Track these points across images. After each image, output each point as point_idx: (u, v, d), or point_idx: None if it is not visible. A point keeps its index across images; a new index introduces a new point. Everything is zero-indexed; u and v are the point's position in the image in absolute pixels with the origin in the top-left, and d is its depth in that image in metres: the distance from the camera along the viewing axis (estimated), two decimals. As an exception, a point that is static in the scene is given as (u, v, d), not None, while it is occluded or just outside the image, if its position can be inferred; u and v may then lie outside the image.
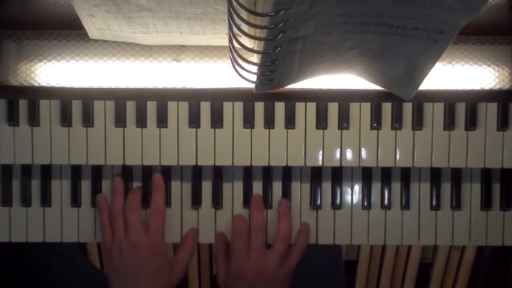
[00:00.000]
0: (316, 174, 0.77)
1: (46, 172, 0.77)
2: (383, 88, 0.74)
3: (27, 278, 0.95)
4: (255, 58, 0.65)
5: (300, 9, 0.55)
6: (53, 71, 0.77)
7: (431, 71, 0.67)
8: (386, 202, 0.77)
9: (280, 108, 0.74)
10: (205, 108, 0.74)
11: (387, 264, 1.02)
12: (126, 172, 0.78)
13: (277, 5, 0.54)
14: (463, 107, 0.74)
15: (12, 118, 0.74)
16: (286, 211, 0.75)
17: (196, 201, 0.77)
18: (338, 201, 0.77)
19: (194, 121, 0.74)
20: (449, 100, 0.74)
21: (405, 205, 0.77)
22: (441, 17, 0.58)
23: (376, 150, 0.74)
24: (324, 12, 0.57)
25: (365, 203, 0.77)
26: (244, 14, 0.58)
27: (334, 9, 0.57)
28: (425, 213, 0.77)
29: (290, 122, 0.74)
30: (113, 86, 0.77)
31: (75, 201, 0.77)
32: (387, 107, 0.74)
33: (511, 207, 0.77)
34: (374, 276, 1.05)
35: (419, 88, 0.71)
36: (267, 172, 0.77)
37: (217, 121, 0.74)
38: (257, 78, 0.68)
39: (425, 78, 0.69)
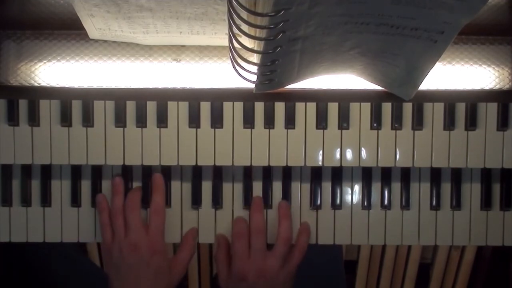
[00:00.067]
0: (316, 174, 0.77)
1: (46, 172, 0.77)
2: (383, 88, 0.74)
3: (27, 278, 0.95)
4: (255, 58, 0.65)
5: (300, 9, 0.55)
6: (53, 71, 0.77)
7: (431, 71, 0.67)
8: (386, 202, 0.77)
9: (280, 108, 0.74)
10: (205, 108, 0.74)
11: (387, 264, 1.02)
12: (126, 172, 0.78)
13: (277, 5, 0.54)
14: (463, 107, 0.74)
15: (12, 118, 0.74)
16: (286, 212, 0.75)
17: (196, 201, 0.77)
18: (338, 201, 0.77)
19: (194, 121, 0.74)
20: (449, 100, 0.74)
21: (405, 205, 0.77)
22: (441, 17, 0.58)
23: (376, 150, 0.74)
24: (324, 12, 0.57)
25: (365, 203, 0.77)
26: (244, 14, 0.58)
27: (334, 9, 0.57)
28: (425, 213, 0.77)
29: (290, 122, 0.74)
30: (113, 86, 0.77)
31: (75, 201, 0.77)
32: (387, 107, 0.74)
33: (511, 207, 0.77)
34: (374, 276, 1.05)
35: (419, 88, 0.71)
36: (267, 172, 0.77)
37: (217, 121, 0.74)
38: (257, 78, 0.68)
39: (425, 78, 0.69)
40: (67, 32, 0.78)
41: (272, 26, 0.57)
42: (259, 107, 0.74)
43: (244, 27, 0.59)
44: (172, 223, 0.77)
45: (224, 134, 0.74)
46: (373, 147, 0.74)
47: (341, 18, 0.59)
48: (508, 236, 0.77)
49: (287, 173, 0.77)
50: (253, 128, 0.74)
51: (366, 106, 0.74)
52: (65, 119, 0.74)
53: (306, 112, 0.74)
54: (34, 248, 0.93)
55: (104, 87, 0.76)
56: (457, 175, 0.77)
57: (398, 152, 0.74)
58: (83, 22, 0.73)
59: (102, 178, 0.78)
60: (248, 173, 0.77)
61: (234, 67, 0.66)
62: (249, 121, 0.74)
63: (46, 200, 0.77)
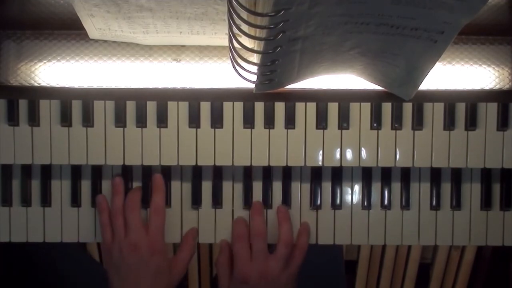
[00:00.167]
0: (316, 174, 0.77)
1: (46, 172, 0.77)
2: (383, 88, 0.74)
3: (28, 277, 0.95)
4: (255, 58, 0.65)
5: (300, 9, 0.55)
6: (53, 71, 0.77)
7: (431, 71, 0.67)
8: (386, 202, 0.77)
9: (280, 108, 0.74)
10: (205, 108, 0.74)
11: (387, 264, 1.02)
12: (126, 172, 0.78)
13: (277, 5, 0.54)
14: (463, 107, 0.74)
15: (12, 118, 0.74)
16: (286, 215, 0.75)
17: (196, 201, 0.77)
18: (338, 201, 0.77)
19: (194, 121, 0.74)
20: (449, 100, 0.74)
21: (405, 205, 0.77)
22: (441, 17, 0.58)
23: (376, 150, 0.74)
24: (324, 12, 0.57)
25: (365, 203, 0.77)
26: (244, 14, 0.58)
27: (334, 9, 0.57)
28: (425, 213, 0.77)
29: (290, 122, 0.74)
30: (113, 86, 0.77)
31: (75, 201, 0.77)
32: (387, 107, 0.74)
33: (511, 207, 0.77)
34: (374, 276, 1.04)
35: (419, 88, 0.71)
36: (267, 172, 0.77)
37: (217, 121, 0.74)
38: (257, 78, 0.68)
39: (425, 78, 0.69)
40: (67, 32, 0.78)
41: (272, 26, 0.57)
42: (259, 107, 0.74)
43: (244, 27, 0.59)
44: (172, 223, 0.77)
45: (224, 134, 0.74)
46: (373, 147, 0.74)
47: (341, 18, 0.59)
48: (508, 236, 0.77)
49: (287, 173, 0.77)
50: (253, 128, 0.74)
51: (366, 106, 0.74)
52: (65, 119, 0.74)
53: (306, 112, 0.74)
54: (34, 248, 0.93)
55: (104, 87, 0.76)
56: (457, 175, 0.77)
57: (398, 152, 0.74)
58: (83, 22, 0.73)
59: (102, 178, 0.78)
60: (248, 173, 0.77)
61: (234, 67, 0.66)
62: (249, 121, 0.74)
63: (46, 200, 0.77)
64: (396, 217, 0.77)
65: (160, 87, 0.77)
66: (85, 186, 0.78)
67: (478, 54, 0.78)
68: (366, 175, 0.78)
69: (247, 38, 0.61)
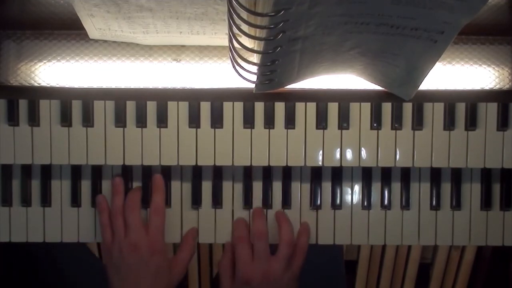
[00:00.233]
0: (316, 174, 0.77)
1: (46, 172, 0.77)
2: (383, 88, 0.74)
3: (33, 274, 0.95)
4: (255, 58, 0.65)
5: (300, 9, 0.55)
6: (53, 71, 0.77)
7: (431, 71, 0.67)
8: (386, 202, 0.77)
9: (280, 108, 0.74)
10: (205, 108, 0.74)
11: (387, 264, 1.02)
12: (126, 172, 0.78)
13: (277, 5, 0.54)
14: (463, 107, 0.74)
15: (12, 118, 0.74)
16: (284, 217, 0.76)
17: (196, 201, 0.77)
18: (338, 201, 0.77)
19: (194, 121, 0.74)
20: (449, 100, 0.74)
21: (405, 205, 0.77)
22: (441, 17, 0.58)
23: (376, 150, 0.74)
24: (324, 12, 0.57)
25: (365, 203, 0.77)
26: (244, 14, 0.58)
27: (334, 9, 0.57)
28: (425, 213, 0.77)
29: (290, 122, 0.74)
30: (113, 86, 0.77)
31: (75, 201, 0.77)
32: (387, 107, 0.74)
33: (511, 207, 0.77)
34: (374, 276, 1.04)
35: (419, 88, 0.71)
36: (267, 172, 0.77)
37: (217, 121, 0.74)
38: (257, 78, 0.68)
39: (425, 78, 0.69)
40: (67, 32, 0.78)
41: (272, 26, 0.57)
42: (259, 107, 0.74)
43: (244, 27, 0.59)
44: (172, 223, 0.77)
45: (224, 134, 0.74)
46: (373, 147, 0.74)
47: (341, 18, 0.59)
48: (508, 236, 0.77)
49: (287, 173, 0.77)
50: (253, 128, 0.74)
51: (366, 106, 0.74)
52: (65, 119, 0.74)
53: (306, 112, 0.74)
54: (35, 246, 0.93)
55: (104, 87, 0.76)
56: (457, 175, 0.77)
57: (398, 152, 0.74)
58: (83, 22, 0.73)
59: (102, 178, 0.78)
60: (248, 173, 0.77)
61: (234, 67, 0.66)
62: (249, 121, 0.74)
63: (46, 200, 0.77)
64: (396, 217, 0.77)
65: (160, 87, 0.77)
66: (85, 186, 0.78)
67: (478, 54, 0.78)
68: (366, 175, 0.78)
69: (247, 38, 0.61)
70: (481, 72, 0.78)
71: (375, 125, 0.74)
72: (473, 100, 0.74)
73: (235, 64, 0.66)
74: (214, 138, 0.74)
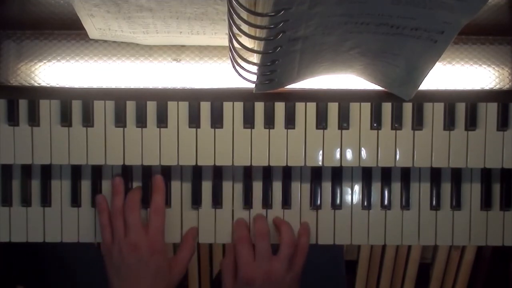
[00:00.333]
0: (316, 174, 0.77)
1: (46, 172, 0.77)
2: (383, 88, 0.74)
3: (38, 270, 0.95)
4: (255, 58, 0.65)
5: (300, 9, 0.55)
6: (53, 71, 0.77)
7: (431, 71, 0.67)
8: (386, 202, 0.77)
9: (280, 108, 0.74)
10: (205, 108, 0.74)
11: (387, 264, 1.02)
12: (126, 172, 0.78)
13: (277, 5, 0.54)
14: (463, 107, 0.74)
15: (12, 118, 0.74)
16: (282, 220, 0.76)
17: (196, 201, 0.77)
18: (338, 201, 0.77)
19: (194, 121, 0.74)
20: (449, 100, 0.74)
21: (405, 205, 0.77)
22: (441, 17, 0.58)
23: (376, 150, 0.74)
24: (324, 12, 0.57)
25: (365, 203, 0.77)
26: (244, 14, 0.58)
27: (334, 9, 0.57)
28: (425, 213, 0.77)
29: (290, 122, 0.74)
30: (113, 86, 0.77)
31: (75, 201, 0.77)
32: (387, 107, 0.74)
33: (511, 207, 0.77)
34: (374, 276, 1.04)
35: (419, 88, 0.71)
36: (267, 172, 0.77)
37: (217, 121, 0.74)
38: (257, 78, 0.68)
39: (425, 78, 0.69)
40: (67, 32, 0.78)
41: (272, 26, 0.57)
42: (259, 107, 0.74)
43: (244, 27, 0.59)
44: (172, 223, 0.77)
45: (224, 134, 0.74)
46: (373, 147, 0.74)
47: (341, 18, 0.59)
48: (508, 236, 0.77)
49: (287, 173, 0.77)
50: (253, 128, 0.74)
51: (366, 106, 0.74)
52: (65, 119, 0.74)
53: (306, 112, 0.74)
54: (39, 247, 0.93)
55: (104, 87, 0.76)
56: (457, 175, 0.77)
57: (398, 152, 0.74)
58: (83, 22, 0.73)
59: (102, 178, 0.78)
60: (248, 173, 0.77)
61: (234, 67, 0.66)
62: (249, 121, 0.74)
63: (46, 200, 0.77)
64: (396, 217, 0.77)
65: (160, 87, 0.77)
66: (85, 186, 0.78)
67: (478, 54, 0.78)
68: (366, 175, 0.78)
69: (247, 38, 0.61)
70: (481, 72, 0.78)
71: (375, 125, 0.74)
72: (473, 100, 0.74)
73: (235, 64, 0.66)
74: (214, 138, 0.74)
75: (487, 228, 0.77)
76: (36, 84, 0.77)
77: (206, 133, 0.74)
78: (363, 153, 0.74)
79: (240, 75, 0.67)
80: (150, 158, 0.74)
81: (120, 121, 0.74)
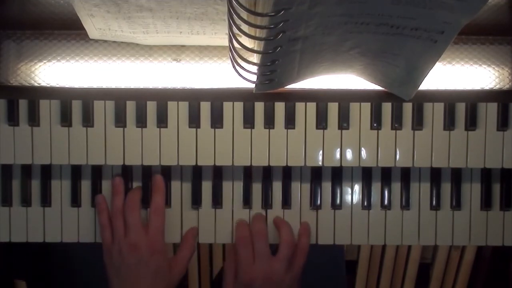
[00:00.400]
0: (316, 174, 0.77)
1: (46, 172, 0.77)
2: (383, 88, 0.74)
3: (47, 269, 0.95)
4: (255, 58, 0.65)
5: (300, 9, 0.55)
6: (53, 71, 0.77)
7: (431, 71, 0.67)
8: (386, 202, 0.77)
9: (280, 108, 0.74)
10: (205, 108, 0.74)
11: (387, 264, 1.02)
12: (126, 172, 0.78)
13: (277, 5, 0.54)
14: (463, 107, 0.74)
15: (12, 118, 0.74)
16: (282, 221, 0.76)
17: (196, 201, 0.77)
18: (338, 201, 0.77)
19: (194, 121, 0.74)
20: (449, 100, 0.74)
21: (405, 205, 0.77)
22: (441, 17, 0.58)
23: (376, 150, 0.74)
24: (324, 12, 0.57)
25: (365, 203, 0.77)
26: (244, 14, 0.58)
27: (334, 9, 0.57)
28: (425, 213, 0.77)
29: (290, 122, 0.74)
30: (113, 86, 0.77)
31: (75, 201, 0.77)
32: (387, 107, 0.74)
33: (511, 207, 0.77)
34: (374, 276, 1.04)
35: (419, 88, 0.71)
36: (267, 172, 0.77)
37: (217, 121, 0.74)
38: (257, 78, 0.68)
39: (425, 78, 0.69)
40: (67, 32, 0.78)
41: (272, 26, 0.57)
42: (259, 107, 0.74)
43: (244, 27, 0.59)
44: (172, 223, 0.77)
45: (224, 134, 0.74)
46: (373, 147, 0.74)
47: (341, 18, 0.59)
48: (508, 236, 0.77)
49: (287, 173, 0.77)
50: (253, 128, 0.74)
51: (366, 106, 0.74)
52: (65, 119, 0.74)
53: (306, 112, 0.74)
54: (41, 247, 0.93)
55: (104, 87, 0.76)
56: (457, 175, 0.77)
57: (398, 152, 0.74)
58: (83, 22, 0.73)
59: (102, 178, 0.78)
60: (248, 173, 0.77)
61: (234, 67, 0.66)
62: (249, 121, 0.74)
63: (46, 200, 0.77)
64: (396, 217, 0.77)
65: (160, 87, 0.77)
66: (85, 186, 0.78)
67: (478, 54, 0.78)
68: (366, 175, 0.78)
69: (247, 38, 0.61)
70: (481, 72, 0.78)
71: (375, 125, 0.74)
72: (473, 100, 0.74)
73: (235, 64, 0.66)
74: (214, 138, 0.74)
75: (487, 228, 0.77)
76: (36, 84, 0.77)
77: (206, 133, 0.74)
78: (363, 153, 0.74)
79: (240, 75, 0.67)
80: (150, 158, 0.74)
81: (120, 121, 0.74)
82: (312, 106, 0.74)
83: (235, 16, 0.58)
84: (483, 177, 0.78)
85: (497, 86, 0.78)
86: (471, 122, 0.74)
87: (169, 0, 0.68)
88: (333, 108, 0.74)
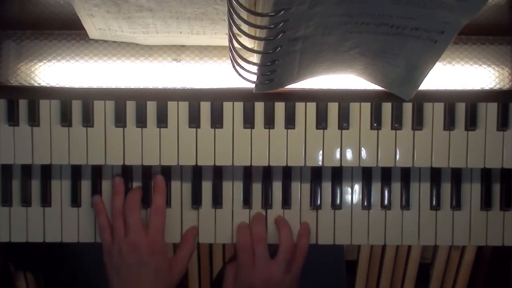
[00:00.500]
0: (316, 174, 0.77)
1: (46, 172, 0.77)
2: (383, 88, 0.74)
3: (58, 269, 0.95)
4: (255, 58, 0.65)
5: (300, 9, 0.55)
6: (53, 71, 0.77)
7: (431, 71, 0.67)
8: (386, 202, 0.77)
9: (280, 108, 0.74)
10: (205, 108, 0.74)
11: (387, 264, 1.02)
12: (126, 172, 0.78)
13: (277, 5, 0.54)
14: (463, 107, 0.74)
15: (12, 118, 0.74)
16: (284, 222, 0.76)
17: (196, 201, 0.77)
18: (338, 201, 0.77)
19: (194, 121, 0.74)
20: (449, 100, 0.74)
21: (405, 205, 0.77)
22: (441, 17, 0.58)
23: (376, 150, 0.74)
24: (324, 12, 0.57)
25: (365, 203, 0.77)
26: (244, 14, 0.58)
27: (334, 9, 0.57)
28: (425, 213, 0.77)
29: (290, 122, 0.74)
30: (113, 86, 0.77)
31: (75, 201, 0.77)
32: (387, 107, 0.74)
33: (511, 207, 0.77)
34: (374, 276, 1.04)
35: (419, 88, 0.71)
36: (267, 172, 0.77)
37: (217, 121, 0.74)
38: (257, 78, 0.68)
39: (425, 78, 0.69)
40: (67, 32, 0.78)
41: (272, 26, 0.57)
42: (259, 107, 0.74)
43: (244, 27, 0.59)
44: (172, 223, 0.77)
45: (224, 134, 0.74)
46: (373, 147, 0.74)
47: (341, 18, 0.59)
48: (508, 236, 0.77)
49: (287, 173, 0.77)
50: (253, 128, 0.74)
51: (366, 106, 0.74)
52: (65, 119, 0.74)
53: (306, 112, 0.74)
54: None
55: (104, 87, 0.76)
56: (457, 175, 0.77)
57: (398, 152, 0.74)
58: (83, 22, 0.73)
59: (102, 178, 0.78)
60: (248, 173, 0.77)
61: (234, 67, 0.66)
62: (249, 121, 0.74)
63: (46, 200, 0.77)
64: (396, 217, 0.77)
65: (160, 87, 0.77)
66: (85, 186, 0.78)
67: (478, 54, 0.78)
68: (366, 175, 0.78)
69: (247, 38, 0.61)
70: (481, 72, 0.78)
71: (375, 125, 0.74)
72: (473, 100, 0.74)
73: (235, 64, 0.66)
74: (214, 138, 0.74)
75: (487, 228, 0.77)
76: (36, 84, 0.77)
77: (206, 133, 0.74)
78: (363, 153, 0.74)
79: (240, 75, 0.67)
80: (150, 158, 0.74)
81: (120, 121, 0.74)
82: (312, 106, 0.74)
83: (235, 16, 0.58)
84: (483, 177, 0.78)
85: (497, 86, 0.78)
86: (471, 122, 0.74)
87: (169, 0, 0.68)
88: (333, 108, 0.74)
